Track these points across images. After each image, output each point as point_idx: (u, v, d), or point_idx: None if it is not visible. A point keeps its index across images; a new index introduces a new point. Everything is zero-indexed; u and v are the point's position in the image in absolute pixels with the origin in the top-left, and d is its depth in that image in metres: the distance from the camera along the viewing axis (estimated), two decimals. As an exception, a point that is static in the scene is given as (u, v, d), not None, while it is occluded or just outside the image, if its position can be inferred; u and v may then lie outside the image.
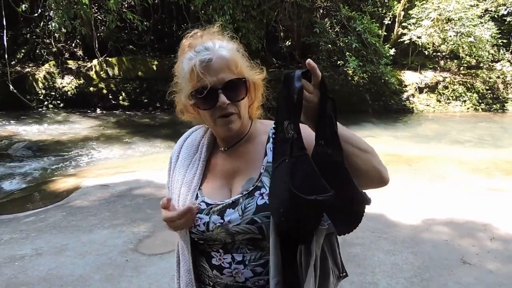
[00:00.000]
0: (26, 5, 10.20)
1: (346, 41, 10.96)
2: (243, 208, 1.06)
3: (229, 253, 1.10)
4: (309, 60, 0.91)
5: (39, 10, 11.15)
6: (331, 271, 1.04)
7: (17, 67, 11.56)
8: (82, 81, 11.36)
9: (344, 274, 1.07)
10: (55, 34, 11.66)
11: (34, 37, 12.50)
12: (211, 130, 1.22)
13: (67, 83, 11.36)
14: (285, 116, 0.93)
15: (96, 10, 11.93)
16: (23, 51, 12.23)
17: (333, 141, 0.94)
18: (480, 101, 12.57)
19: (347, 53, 10.75)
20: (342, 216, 1.00)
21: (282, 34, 12.86)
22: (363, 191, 0.98)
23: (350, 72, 11.54)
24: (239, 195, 1.09)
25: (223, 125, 1.09)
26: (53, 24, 9.69)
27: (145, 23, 10.60)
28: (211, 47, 1.07)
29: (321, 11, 12.30)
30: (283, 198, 0.90)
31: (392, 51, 11.64)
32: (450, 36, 11.76)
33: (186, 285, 1.14)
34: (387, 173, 1.05)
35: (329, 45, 11.23)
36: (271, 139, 1.13)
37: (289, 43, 13.45)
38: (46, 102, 11.36)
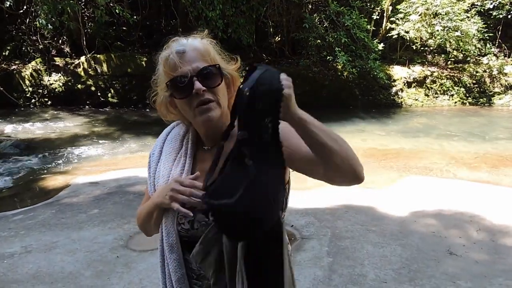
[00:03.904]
0: (11, 2, 10.04)
1: (335, 36, 10.98)
2: None
3: None
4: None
5: (25, 7, 10.98)
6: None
7: (2, 65, 11.38)
8: (70, 78, 11.21)
9: None
10: (42, 31, 11.50)
11: (20, 34, 12.31)
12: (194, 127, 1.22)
13: (55, 80, 11.21)
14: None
15: (83, 6, 11.79)
16: (8, 48, 12.03)
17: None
18: (467, 95, 12.71)
19: (337, 48, 10.78)
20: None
21: (271, 29, 12.84)
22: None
23: (339, 67, 11.59)
24: None
25: (203, 113, 1.09)
26: (40, 21, 9.55)
27: (135, 17, 10.51)
28: (184, 41, 1.12)
29: (310, 6, 12.29)
30: None
31: (380, 46, 11.71)
32: (438, 31, 11.85)
33: (178, 280, 1.14)
34: (363, 170, 1.01)
35: (319, 41, 11.25)
36: None
37: (279, 38, 13.45)
38: (33, 100, 11.20)
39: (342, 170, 0.97)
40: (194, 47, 1.10)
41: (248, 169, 0.84)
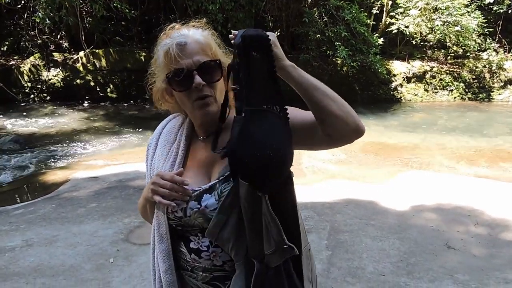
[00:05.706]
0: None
1: (335, 30, 10.96)
2: (219, 193, 1.08)
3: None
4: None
5: (22, 1, 10.93)
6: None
7: (1, 60, 11.36)
8: (68, 74, 11.19)
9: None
10: (40, 26, 11.46)
11: (18, 29, 12.27)
12: (190, 119, 1.23)
13: (54, 75, 11.19)
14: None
15: (81, 1, 11.74)
16: (7, 43, 11.99)
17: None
18: (467, 90, 12.71)
19: (336, 42, 10.76)
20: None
21: (271, 24, 12.80)
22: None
23: (339, 62, 11.57)
24: (215, 180, 1.10)
25: (200, 108, 1.11)
26: (39, 14, 9.51)
27: (133, 12, 10.47)
28: (185, 32, 1.12)
29: (309, 0, 12.26)
30: None
31: (380, 41, 11.68)
32: (437, 26, 11.83)
33: (165, 271, 1.14)
34: (361, 120, 1.05)
35: (318, 35, 11.22)
36: None
37: (278, 33, 13.41)
38: (32, 95, 11.19)
39: (341, 118, 1.01)
40: (196, 39, 1.10)
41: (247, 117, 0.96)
